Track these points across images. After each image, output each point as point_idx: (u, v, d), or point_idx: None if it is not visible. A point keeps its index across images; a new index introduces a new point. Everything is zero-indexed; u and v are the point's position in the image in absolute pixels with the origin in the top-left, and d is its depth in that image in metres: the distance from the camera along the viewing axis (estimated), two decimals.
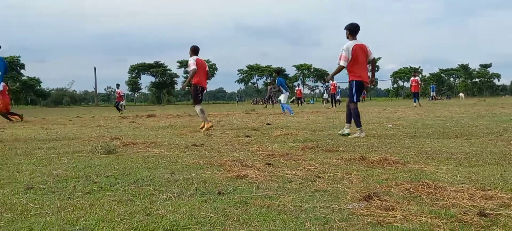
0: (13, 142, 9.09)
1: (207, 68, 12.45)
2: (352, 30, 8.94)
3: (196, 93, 11.99)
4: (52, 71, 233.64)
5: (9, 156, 6.81)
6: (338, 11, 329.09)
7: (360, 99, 9.27)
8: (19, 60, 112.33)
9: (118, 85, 34.85)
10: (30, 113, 36.22)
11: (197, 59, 11.92)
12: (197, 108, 12.04)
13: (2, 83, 10.01)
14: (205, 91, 12.35)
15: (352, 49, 8.75)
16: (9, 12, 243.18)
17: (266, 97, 39.42)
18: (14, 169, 5.58)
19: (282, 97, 22.18)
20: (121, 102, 33.40)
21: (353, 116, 9.12)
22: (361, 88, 9.09)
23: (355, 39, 8.91)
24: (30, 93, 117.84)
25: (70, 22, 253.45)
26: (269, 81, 40.00)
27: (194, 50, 12.14)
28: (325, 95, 53.65)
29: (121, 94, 34.04)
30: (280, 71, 24.14)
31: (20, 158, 6.57)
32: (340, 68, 8.93)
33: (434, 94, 62.72)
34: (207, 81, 12.52)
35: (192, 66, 11.79)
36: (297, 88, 51.44)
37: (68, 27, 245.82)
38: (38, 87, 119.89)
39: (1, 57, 10.16)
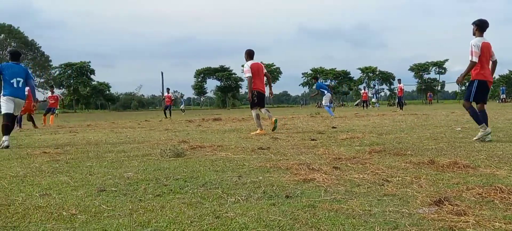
0: (85, 146, 9.36)
1: (265, 70, 12.58)
2: (481, 26, 8.58)
3: (252, 98, 12.21)
4: (121, 76, 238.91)
5: (81, 159, 7.02)
6: (405, 12, 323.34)
7: (485, 100, 8.76)
8: (89, 66, 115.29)
9: (168, 90, 34.98)
10: (100, 117, 37.11)
11: (251, 64, 12.11)
12: (253, 113, 12.39)
13: (26, 88, 10.92)
14: (264, 94, 12.46)
15: (480, 46, 8.45)
16: (79, 19, 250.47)
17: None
18: (87, 171, 5.75)
19: (324, 100, 22.53)
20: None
21: (471, 115, 8.77)
22: (484, 88, 8.62)
23: (482, 36, 8.58)
24: (100, 97, 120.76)
25: (137, 28, 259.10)
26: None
27: (249, 54, 12.34)
28: (374, 100, 53.02)
29: (172, 98, 34.15)
30: (317, 77, 24.77)
31: (92, 161, 6.76)
32: (472, 65, 8.42)
33: (504, 96, 60.97)
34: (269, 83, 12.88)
35: (247, 73, 12.14)
36: (362, 91, 51.02)
37: (135, 32, 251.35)
38: (107, 92, 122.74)
39: (22, 65, 10.85)
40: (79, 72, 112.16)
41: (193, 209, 3.66)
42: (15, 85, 10.37)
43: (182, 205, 3.79)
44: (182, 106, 50.97)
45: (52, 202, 4.00)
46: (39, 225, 3.27)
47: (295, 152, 7.38)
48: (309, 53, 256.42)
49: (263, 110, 12.44)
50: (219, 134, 12.13)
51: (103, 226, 3.22)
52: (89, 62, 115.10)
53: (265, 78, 12.70)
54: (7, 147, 9.56)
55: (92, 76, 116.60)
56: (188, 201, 3.96)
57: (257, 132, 11.73)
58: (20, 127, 17.50)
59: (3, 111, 10.50)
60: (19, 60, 10.90)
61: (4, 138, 9.80)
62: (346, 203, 3.75)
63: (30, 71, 11.07)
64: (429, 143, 8.24)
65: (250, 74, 11.97)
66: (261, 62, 12.34)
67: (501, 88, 64.86)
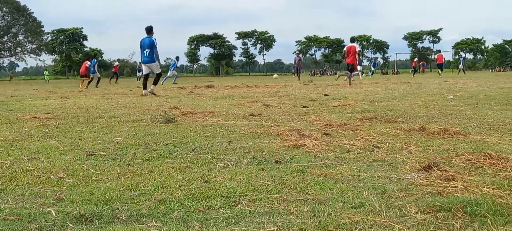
0: (76, 111, 9.30)
1: (356, 51, 21.54)
2: None
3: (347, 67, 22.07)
4: (113, 43, 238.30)
5: (71, 124, 6.98)
6: None
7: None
8: (82, 32, 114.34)
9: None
10: (92, 83, 36.95)
11: (347, 47, 21.91)
12: (347, 73, 22.04)
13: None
14: (352, 64, 21.40)
15: None
16: None
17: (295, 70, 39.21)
18: (77, 136, 5.73)
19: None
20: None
21: None
22: None
23: None
24: None
25: None
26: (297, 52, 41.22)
27: (350, 39, 22.43)
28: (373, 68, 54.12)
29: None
30: None
31: (82, 126, 6.72)
32: None
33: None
34: (357, 59, 21.95)
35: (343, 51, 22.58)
36: (415, 59, 53.25)
37: None
38: (100, 58, 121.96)
39: (150, 37, 15.90)
40: (72, 38, 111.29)
41: (181, 173, 3.66)
42: (145, 55, 15.84)
43: (171, 170, 3.78)
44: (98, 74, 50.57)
45: (40, 166, 3.98)
46: (26, 188, 3.26)
47: (286, 118, 7.36)
48: (302, 22, 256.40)
49: (352, 73, 21.48)
50: (211, 100, 12.09)
51: (91, 190, 3.20)
52: (82, 28, 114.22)
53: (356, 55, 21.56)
54: (145, 94, 15.24)
55: (84, 42, 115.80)
56: (177, 165, 3.95)
57: (347, 82, 20.94)
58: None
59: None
60: (151, 34, 15.90)
61: (144, 91, 15.70)
62: (335, 168, 3.75)
63: (155, 41, 15.87)
64: (420, 110, 8.24)
65: (345, 50, 22.09)
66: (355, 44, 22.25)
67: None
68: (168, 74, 34.20)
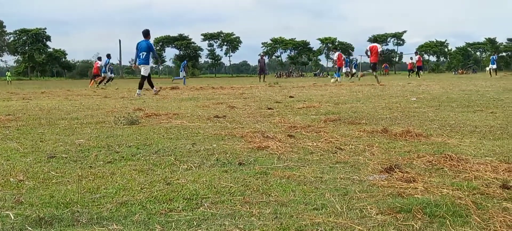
0: (38, 112, 9.16)
1: (377, 51, 23.93)
2: None
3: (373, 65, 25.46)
4: (78, 44, 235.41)
5: (33, 126, 6.87)
6: None
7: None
8: (45, 32, 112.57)
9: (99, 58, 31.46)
10: (55, 84, 36.44)
11: (370, 46, 24.24)
12: (373, 72, 25.10)
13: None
14: (375, 63, 24.81)
15: None
16: None
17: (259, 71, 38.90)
18: (38, 138, 5.64)
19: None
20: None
21: None
22: None
23: None
24: (56, 65, 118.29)
25: None
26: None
27: (373, 40, 27.70)
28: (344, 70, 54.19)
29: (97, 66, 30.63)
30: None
31: (44, 128, 6.62)
32: None
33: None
34: (379, 58, 24.66)
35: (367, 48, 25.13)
36: (410, 60, 52.89)
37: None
38: (63, 59, 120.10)
39: (148, 41, 16.75)
40: (35, 39, 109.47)
41: (144, 175, 3.63)
42: (141, 57, 16.49)
43: (133, 172, 3.75)
44: (111, 74, 49.65)
45: None
46: None
47: (251, 120, 7.37)
48: (268, 23, 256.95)
49: (374, 72, 24.85)
50: (176, 102, 12.02)
51: (51, 192, 3.16)
52: (45, 28, 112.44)
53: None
54: (138, 94, 15.65)
55: (48, 43, 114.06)
56: (139, 167, 3.92)
57: (379, 83, 22.11)
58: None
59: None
60: (148, 37, 16.78)
61: (138, 91, 16.07)
62: (299, 170, 3.77)
63: (152, 45, 17.19)
64: (384, 112, 8.33)
65: (368, 49, 24.45)
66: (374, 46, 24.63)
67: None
68: (181, 76, 35.21)
